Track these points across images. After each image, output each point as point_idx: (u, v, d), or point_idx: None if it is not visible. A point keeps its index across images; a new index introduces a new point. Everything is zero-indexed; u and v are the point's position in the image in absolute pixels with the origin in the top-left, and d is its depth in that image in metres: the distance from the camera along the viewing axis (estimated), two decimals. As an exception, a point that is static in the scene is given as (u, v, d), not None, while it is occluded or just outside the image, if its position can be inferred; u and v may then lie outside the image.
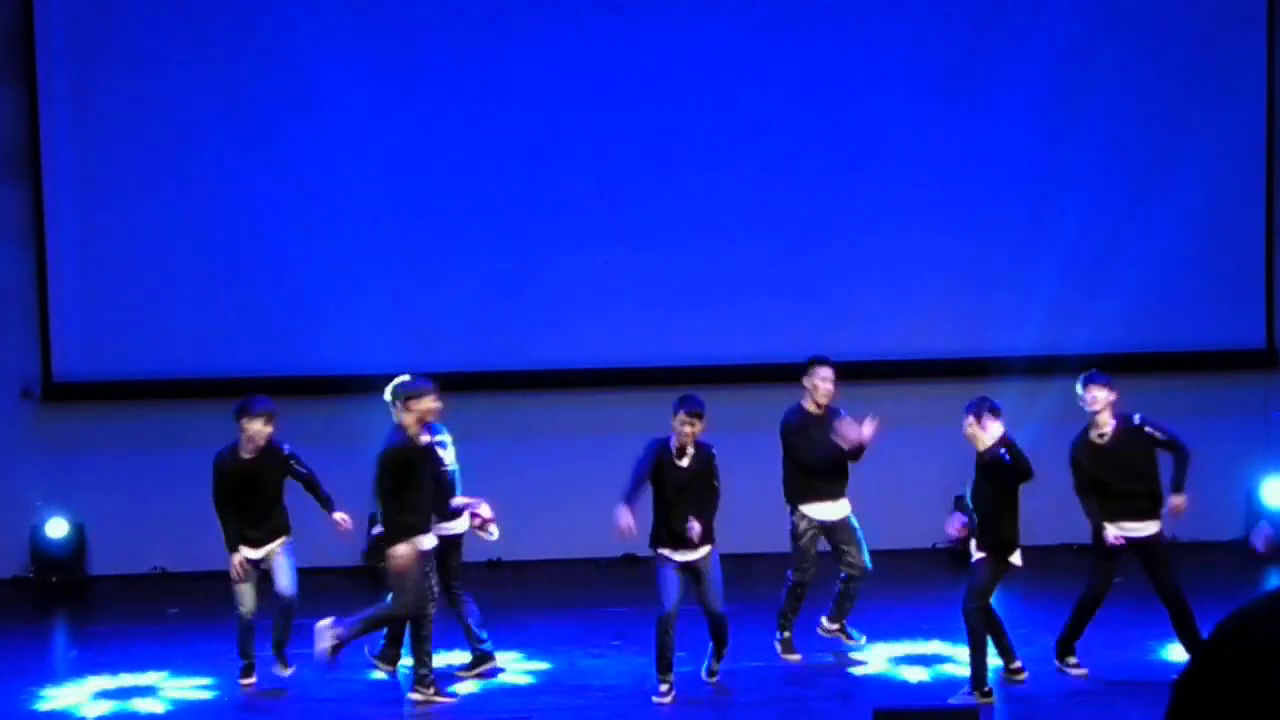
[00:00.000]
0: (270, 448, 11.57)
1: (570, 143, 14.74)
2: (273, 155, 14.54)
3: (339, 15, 14.53)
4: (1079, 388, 11.72)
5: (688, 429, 11.16)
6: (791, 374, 13.35)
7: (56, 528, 14.56)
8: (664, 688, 11.26)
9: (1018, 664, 11.43)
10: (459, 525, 11.68)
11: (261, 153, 14.52)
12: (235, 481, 11.49)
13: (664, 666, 11.27)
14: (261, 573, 11.60)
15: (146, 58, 14.45)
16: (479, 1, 14.63)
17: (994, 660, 11.40)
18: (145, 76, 14.46)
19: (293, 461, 11.70)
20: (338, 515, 11.72)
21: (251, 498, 11.53)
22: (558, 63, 14.71)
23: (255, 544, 11.56)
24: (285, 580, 11.50)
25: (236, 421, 11.53)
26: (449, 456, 11.73)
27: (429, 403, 11.10)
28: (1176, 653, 11.97)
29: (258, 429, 11.48)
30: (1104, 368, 14.65)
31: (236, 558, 11.52)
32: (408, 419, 11.07)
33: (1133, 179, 15.00)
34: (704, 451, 11.30)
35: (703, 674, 11.49)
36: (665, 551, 11.26)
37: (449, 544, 11.65)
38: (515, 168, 14.73)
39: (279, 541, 11.60)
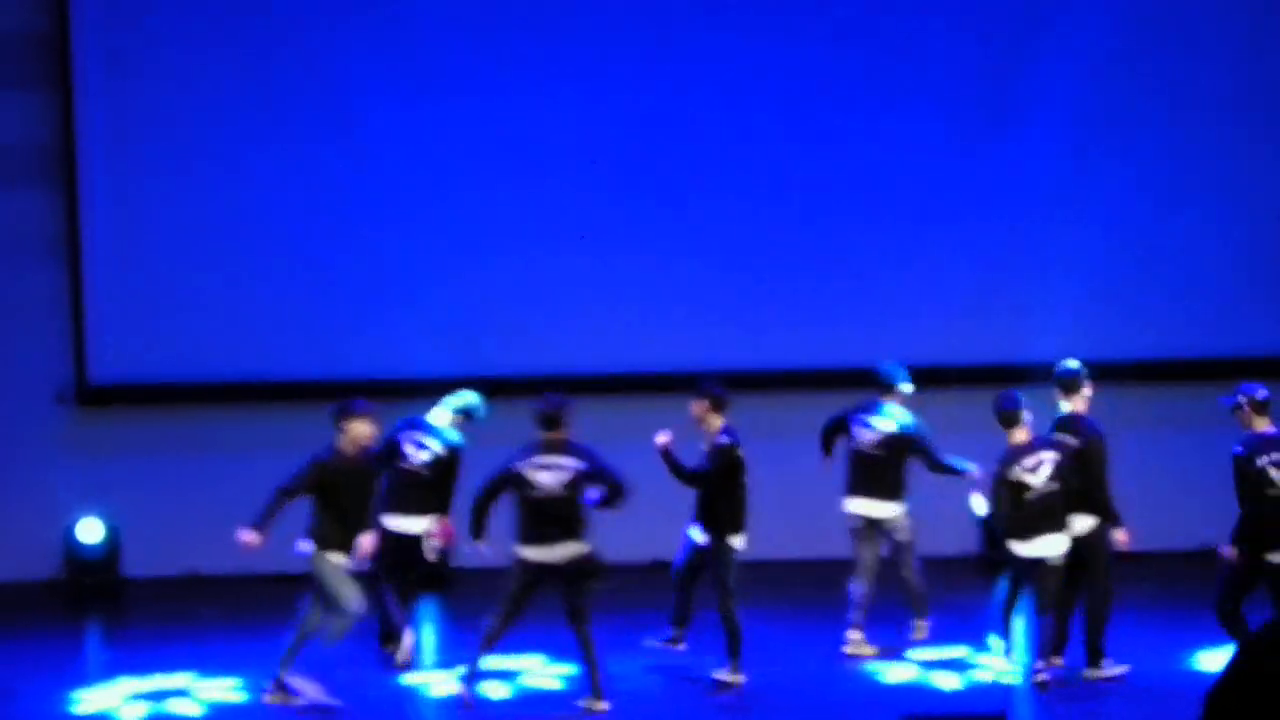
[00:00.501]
0: (368, 452, 11.46)
1: (607, 151, 14.75)
2: (306, 160, 14.58)
3: (372, 22, 14.57)
4: (1074, 387, 11.77)
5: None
6: (809, 381, 13.47)
7: (90, 530, 14.61)
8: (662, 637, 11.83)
9: (1040, 672, 11.45)
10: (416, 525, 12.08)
11: (295, 158, 14.57)
12: (340, 481, 11.22)
13: (670, 619, 11.97)
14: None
15: (180, 63, 14.51)
16: (512, 14, 14.65)
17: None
18: (179, 82, 14.52)
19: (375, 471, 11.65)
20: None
21: (354, 500, 11.32)
22: (591, 71, 14.73)
23: (349, 550, 11.30)
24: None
25: (337, 423, 11.30)
26: (422, 456, 12.06)
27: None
28: (1208, 660, 11.96)
29: (363, 430, 11.30)
30: (1137, 375, 14.70)
31: (253, 537, 11.27)
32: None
33: (1166, 185, 14.96)
34: (716, 440, 11.58)
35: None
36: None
37: (411, 541, 12.13)
38: (548, 172, 14.74)
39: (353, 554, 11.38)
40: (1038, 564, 11.45)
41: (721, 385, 11.89)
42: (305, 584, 11.47)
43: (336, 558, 11.28)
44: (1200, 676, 11.67)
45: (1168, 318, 14.97)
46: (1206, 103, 14.95)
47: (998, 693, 11.45)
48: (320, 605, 11.31)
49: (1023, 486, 11.47)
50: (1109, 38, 14.87)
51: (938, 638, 12.49)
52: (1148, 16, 14.92)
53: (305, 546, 11.28)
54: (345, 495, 11.27)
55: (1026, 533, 11.47)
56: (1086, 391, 11.85)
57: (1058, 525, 11.50)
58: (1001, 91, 14.84)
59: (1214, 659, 11.99)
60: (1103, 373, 14.54)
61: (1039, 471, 11.47)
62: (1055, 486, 11.48)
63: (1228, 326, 15.05)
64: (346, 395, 14.45)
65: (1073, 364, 11.99)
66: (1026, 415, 11.67)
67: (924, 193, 14.90)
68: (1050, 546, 11.47)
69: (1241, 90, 15.04)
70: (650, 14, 14.76)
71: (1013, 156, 14.91)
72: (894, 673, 11.90)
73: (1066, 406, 11.86)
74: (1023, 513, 11.46)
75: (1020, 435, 11.59)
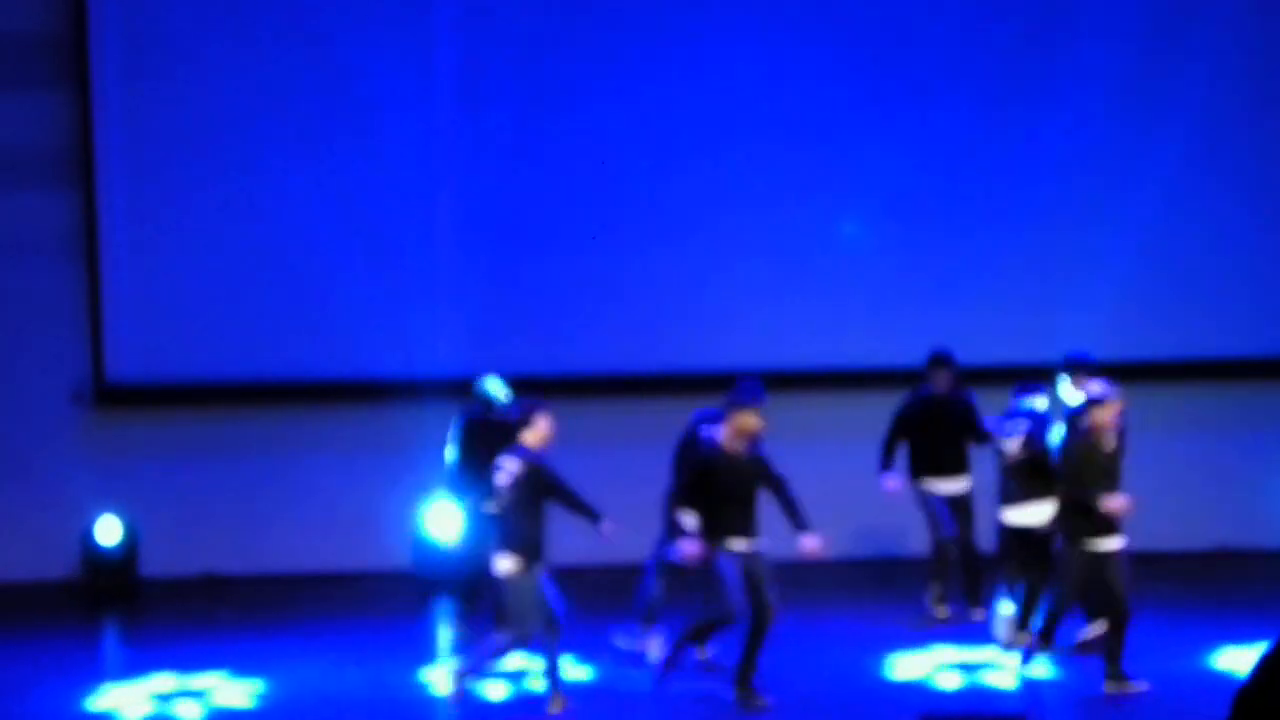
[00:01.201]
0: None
1: (627, 146, 14.73)
2: (323, 160, 14.59)
3: (389, 23, 14.58)
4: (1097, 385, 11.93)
5: None
6: (832, 381, 13.46)
7: (108, 530, 14.64)
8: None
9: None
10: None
11: (312, 157, 14.57)
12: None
13: None
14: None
15: (198, 64, 14.52)
16: (532, 11, 14.65)
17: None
18: (197, 82, 14.54)
19: None
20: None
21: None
22: (611, 66, 14.70)
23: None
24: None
25: (524, 423, 11.04)
26: None
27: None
28: (1228, 659, 11.93)
29: (545, 428, 11.08)
30: (1159, 375, 14.69)
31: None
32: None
33: (1192, 185, 14.90)
34: None
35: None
36: None
37: None
38: (569, 169, 14.73)
39: None
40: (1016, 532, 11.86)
41: (750, 388, 11.93)
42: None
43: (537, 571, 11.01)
44: (1220, 676, 11.65)
45: (1191, 318, 14.91)
46: (1235, 101, 14.89)
47: (1018, 693, 11.43)
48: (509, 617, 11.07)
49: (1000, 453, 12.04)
50: (1139, 32, 14.81)
51: (962, 636, 12.48)
52: (1174, 13, 14.85)
53: (509, 562, 10.98)
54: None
55: (1005, 499, 12.06)
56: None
57: (1022, 496, 11.88)
58: (1028, 90, 14.79)
59: (1234, 658, 11.97)
60: (1126, 373, 14.56)
61: (1013, 439, 11.95)
62: (1024, 456, 11.89)
63: (1252, 327, 14.99)
64: (367, 396, 14.55)
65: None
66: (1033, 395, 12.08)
67: (948, 193, 14.85)
68: (1018, 515, 11.89)
69: (1272, 90, 14.97)
70: (665, 11, 14.72)
71: (1039, 155, 14.85)
72: (911, 671, 11.88)
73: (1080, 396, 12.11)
74: (1004, 478, 12.05)
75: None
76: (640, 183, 14.77)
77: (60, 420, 14.80)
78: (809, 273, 14.86)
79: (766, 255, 14.82)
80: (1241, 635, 12.24)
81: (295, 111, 14.55)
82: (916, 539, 13.51)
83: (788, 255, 14.84)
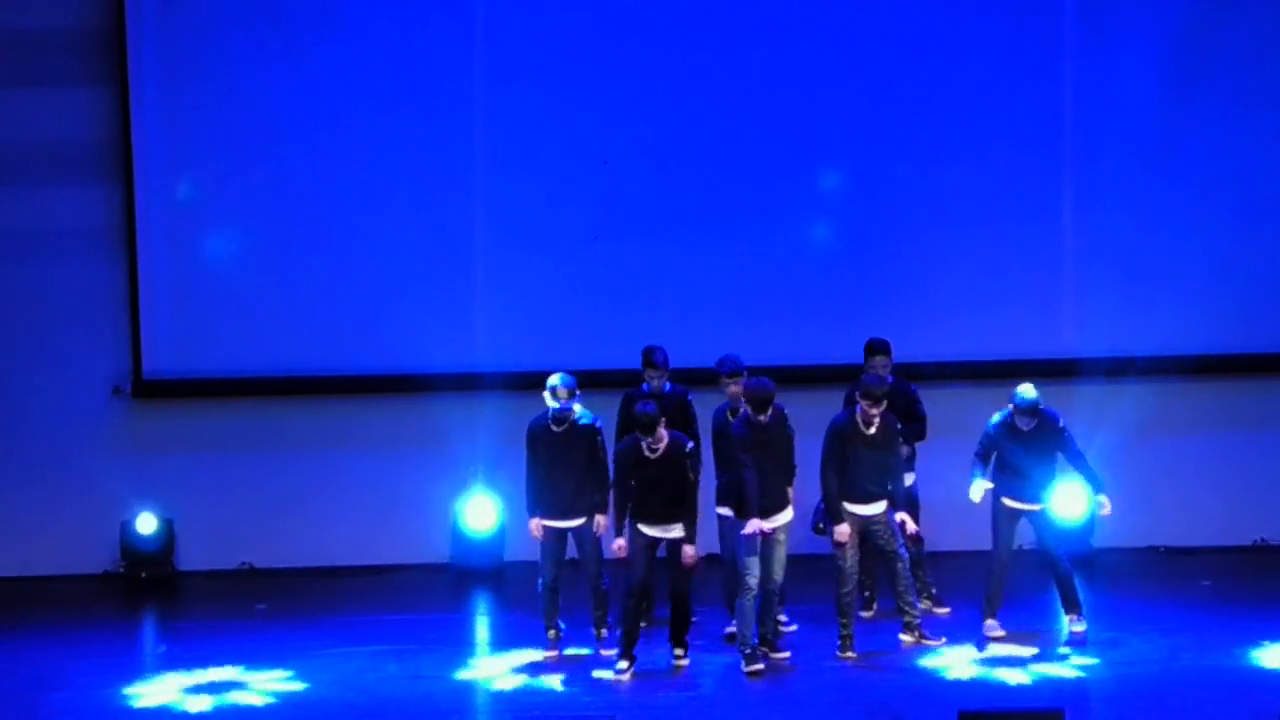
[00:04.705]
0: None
1: (645, 141, 14.69)
2: (362, 153, 14.60)
3: (421, 19, 14.60)
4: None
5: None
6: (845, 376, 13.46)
7: (146, 523, 14.69)
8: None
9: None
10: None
11: (350, 151, 14.59)
12: None
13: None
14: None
15: (235, 58, 14.55)
16: (532, 14, 14.63)
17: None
18: (234, 77, 14.56)
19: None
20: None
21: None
22: (610, 65, 14.68)
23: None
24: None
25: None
26: None
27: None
28: (1270, 656, 11.89)
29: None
30: (1198, 370, 14.62)
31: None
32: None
33: (1222, 181, 14.83)
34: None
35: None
36: None
37: None
38: (590, 166, 14.72)
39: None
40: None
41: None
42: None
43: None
44: (1261, 671, 11.61)
45: (1229, 314, 14.81)
46: (1273, 88, 14.80)
47: (1055, 688, 11.41)
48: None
49: None
50: (1170, 20, 14.73)
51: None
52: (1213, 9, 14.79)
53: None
54: None
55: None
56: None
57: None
58: (1056, 82, 14.74)
59: (1275, 654, 11.93)
60: (1164, 368, 14.50)
61: None
62: None
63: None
64: (402, 390, 14.58)
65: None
66: None
67: (978, 188, 14.79)
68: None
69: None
70: (664, 8, 14.69)
71: (1069, 149, 14.80)
72: (950, 668, 11.85)
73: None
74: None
75: None
76: (668, 182, 14.73)
77: (99, 414, 14.85)
78: (837, 269, 14.82)
79: (770, 254, 14.75)
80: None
81: (333, 105, 14.57)
82: (949, 535, 13.51)
83: (815, 252, 14.82)
